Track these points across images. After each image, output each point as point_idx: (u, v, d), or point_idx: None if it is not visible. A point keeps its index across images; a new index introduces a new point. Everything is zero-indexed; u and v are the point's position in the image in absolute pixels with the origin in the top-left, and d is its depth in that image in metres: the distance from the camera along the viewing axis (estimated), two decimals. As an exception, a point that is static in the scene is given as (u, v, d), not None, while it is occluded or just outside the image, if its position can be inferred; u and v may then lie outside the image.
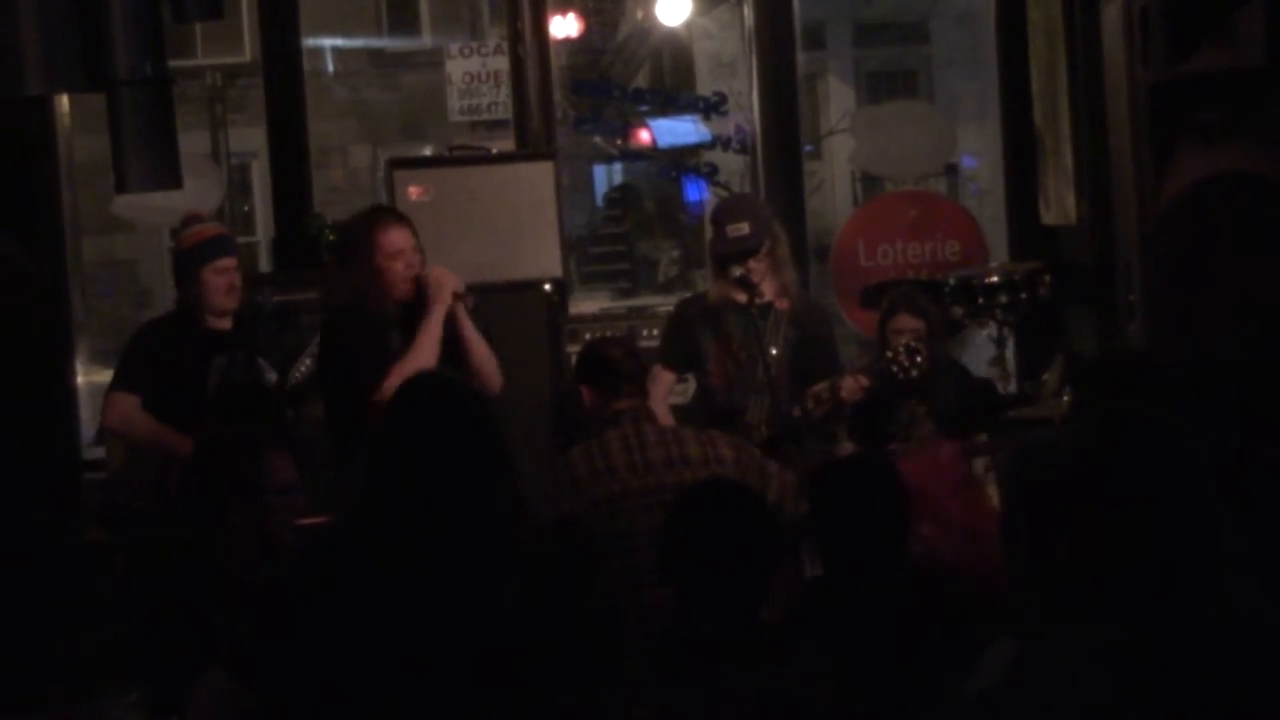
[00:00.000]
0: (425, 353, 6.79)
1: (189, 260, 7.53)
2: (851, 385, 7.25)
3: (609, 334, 7.36)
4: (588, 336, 9.28)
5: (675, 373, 7.70)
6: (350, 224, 7.29)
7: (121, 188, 4.99)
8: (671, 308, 8.35)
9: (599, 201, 22.61)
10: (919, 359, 7.25)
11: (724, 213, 7.66)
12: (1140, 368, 5.28)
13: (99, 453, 9.13)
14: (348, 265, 7.01)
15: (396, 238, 6.96)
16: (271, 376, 7.52)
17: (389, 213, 7.39)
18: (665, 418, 7.10)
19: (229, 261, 7.53)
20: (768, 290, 7.46)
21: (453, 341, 6.93)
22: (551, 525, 4.79)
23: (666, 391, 7.63)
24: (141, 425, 7.43)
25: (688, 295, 9.23)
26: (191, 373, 7.42)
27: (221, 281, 7.48)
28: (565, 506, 5.85)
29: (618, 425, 6.13)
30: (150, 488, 7.40)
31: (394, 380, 6.54)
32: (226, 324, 7.54)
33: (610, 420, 6.16)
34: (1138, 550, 3.39)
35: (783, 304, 7.47)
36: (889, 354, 7.36)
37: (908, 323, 7.94)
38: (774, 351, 7.37)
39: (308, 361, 7.52)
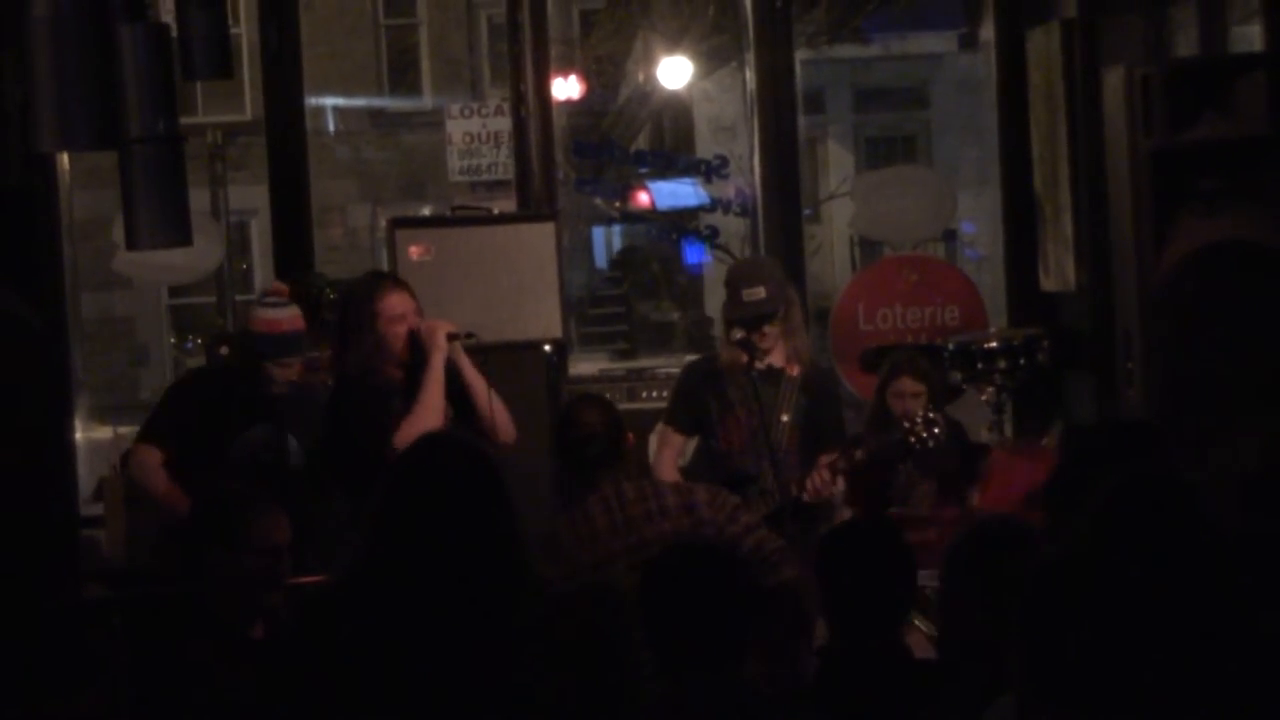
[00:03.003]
0: (432, 403, 6.80)
1: (257, 347, 7.37)
2: (815, 488, 7.19)
3: (588, 396, 7.16)
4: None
5: (684, 436, 7.68)
6: (349, 294, 7.23)
7: (133, 244, 5.00)
8: (670, 370, 8.32)
9: (599, 263, 22.66)
10: (936, 430, 7.22)
11: (740, 276, 7.62)
12: (1135, 435, 5.29)
13: (98, 509, 9.12)
14: (351, 336, 6.99)
15: (397, 302, 6.98)
16: (298, 457, 7.43)
17: (387, 278, 7.38)
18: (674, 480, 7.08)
19: (294, 360, 7.40)
20: (778, 356, 7.45)
21: (459, 393, 6.94)
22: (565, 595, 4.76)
23: (675, 456, 7.61)
24: (156, 482, 7.39)
25: (692, 357, 9.21)
26: (224, 436, 7.35)
27: (280, 373, 7.38)
28: (552, 574, 5.80)
29: (597, 489, 6.09)
30: (148, 544, 7.40)
31: (404, 434, 6.57)
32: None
33: (589, 486, 6.11)
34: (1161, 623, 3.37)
35: (794, 370, 7.45)
36: (906, 424, 7.33)
37: (909, 386, 7.89)
38: (785, 419, 7.36)
39: None
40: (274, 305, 7.45)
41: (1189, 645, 3.43)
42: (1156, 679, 3.38)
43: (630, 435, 6.43)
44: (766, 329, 7.37)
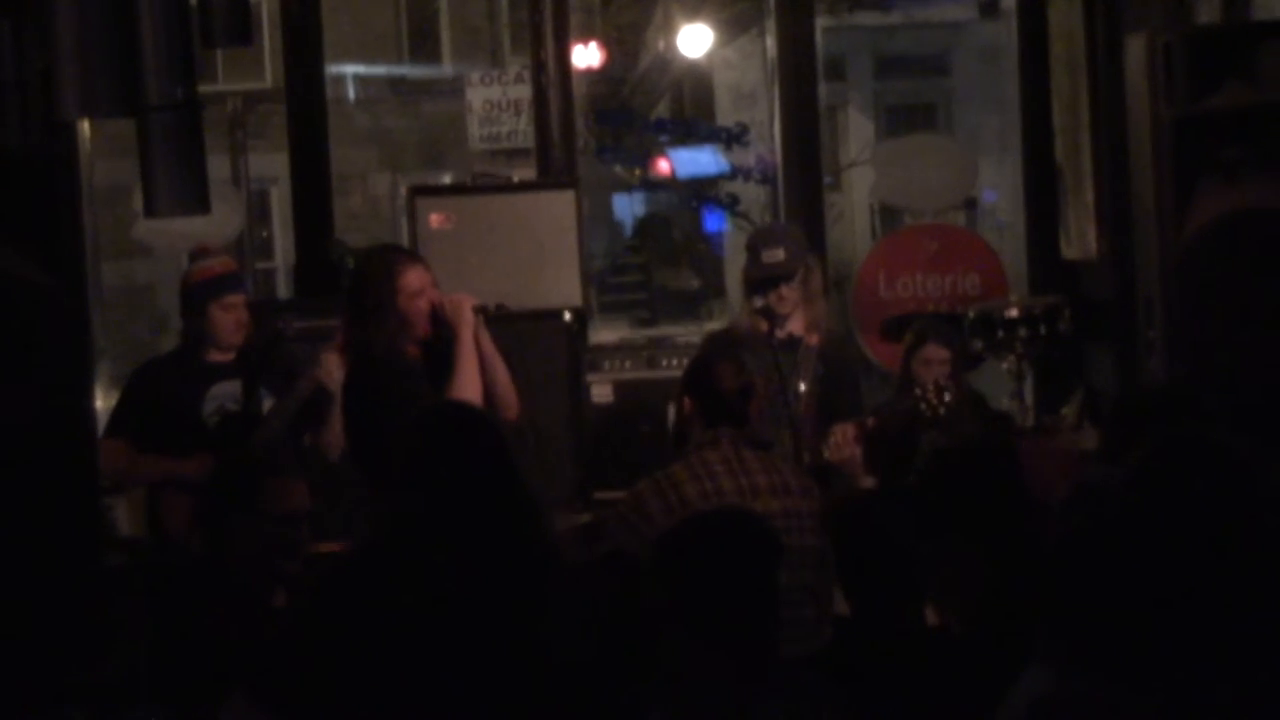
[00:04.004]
0: (469, 380, 6.76)
1: (196, 295, 7.55)
2: (839, 443, 7.18)
3: (724, 352, 7.19)
4: (606, 365, 9.28)
5: None
6: (363, 272, 7.13)
7: (151, 211, 5.03)
8: (690, 338, 8.31)
9: (619, 231, 22.64)
10: (947, 397, 7.23)
11: (760, 239, 7.71)
12: (1175, 400, 5.28)
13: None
14: (370, 315, 6.88)
15: (415, 277, 6.89)
16: (269, 405, 7.53)
17: (402, 252, 7.35)
18: None
19: (237, 298, 7.55)
20: (797, 323, 7.45)
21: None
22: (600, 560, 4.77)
23: None
24: (121, 463, 7.48)
25: (709, 326, 9.22)
26: (188, 406, 7.45)
27: (229, 318, 7.50)
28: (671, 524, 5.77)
29: (717, 448, 6.08)
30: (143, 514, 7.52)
31: None
32: (229, 357, 7.56)
33: (709, 442, 6.10)
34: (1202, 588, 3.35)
35: (812, 338, 7.46)
36: (917, 392, 7.34)
37: (936, 353, 7.91)
38: (802, 387, 7.36)
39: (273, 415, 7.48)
40: (204, 257, 7.72)
41: (1228, 610, 3.42)
42: (1194, 644, 3.37)
43: (757, 400, 6.44)
44: (785, 291, 7.38)
